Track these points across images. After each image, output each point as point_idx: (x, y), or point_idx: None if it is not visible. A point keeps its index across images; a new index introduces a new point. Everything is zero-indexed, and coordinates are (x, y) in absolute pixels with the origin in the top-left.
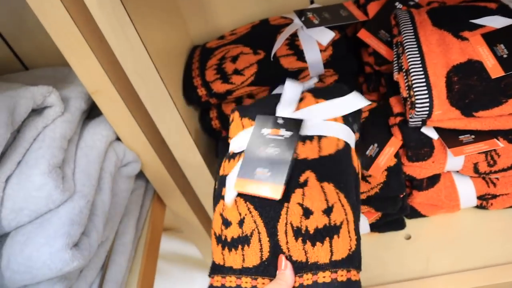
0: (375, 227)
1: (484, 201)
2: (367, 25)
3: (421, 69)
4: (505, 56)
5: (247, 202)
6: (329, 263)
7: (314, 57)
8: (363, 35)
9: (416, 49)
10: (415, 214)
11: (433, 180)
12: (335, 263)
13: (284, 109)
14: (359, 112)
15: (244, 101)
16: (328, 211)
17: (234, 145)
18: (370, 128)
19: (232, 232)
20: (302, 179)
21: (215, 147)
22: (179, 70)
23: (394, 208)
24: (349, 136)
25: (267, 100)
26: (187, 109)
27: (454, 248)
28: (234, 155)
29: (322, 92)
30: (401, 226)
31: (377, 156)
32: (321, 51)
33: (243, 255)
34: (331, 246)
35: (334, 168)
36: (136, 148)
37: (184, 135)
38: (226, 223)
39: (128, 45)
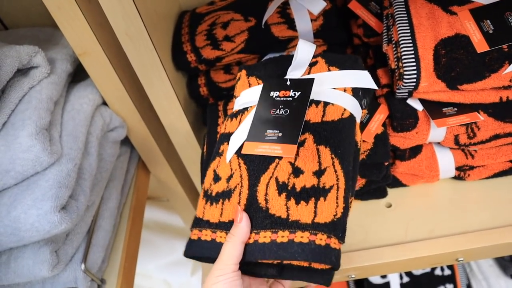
0: (358, 195)
1: (462, 172)
2: None
3: (410, 41)
4: (490, 31)
5: (239, 158)
6: (310, 224)
7: (304, 26)
8: (354, 6)
9: (407, 21)
10: (396, 183)
11: (415, 150)
12: (316, 225)
13: (295, 71)
14: (370, 90)
15: (232, 68)
16: (319, 173)
17: (239, 103)
18: None
19: (218, 187)
20: (299, 139)
21: (203, 115)
22: (168, 35)
23: (378, 175)
24: (356, 109)
25: (277, 61)
26: (176, 75)
27: (432, 216)
28: (237, 114)
29: (336, 60)
30: (383, 194)
31: (367, 123)
32: (311, 20)
33: (222, 209)
34: (315, 207)
35: (334, 134)
36: (122, 113)
37: (172, 101)
38: (217, 178)
39: (119, 5)
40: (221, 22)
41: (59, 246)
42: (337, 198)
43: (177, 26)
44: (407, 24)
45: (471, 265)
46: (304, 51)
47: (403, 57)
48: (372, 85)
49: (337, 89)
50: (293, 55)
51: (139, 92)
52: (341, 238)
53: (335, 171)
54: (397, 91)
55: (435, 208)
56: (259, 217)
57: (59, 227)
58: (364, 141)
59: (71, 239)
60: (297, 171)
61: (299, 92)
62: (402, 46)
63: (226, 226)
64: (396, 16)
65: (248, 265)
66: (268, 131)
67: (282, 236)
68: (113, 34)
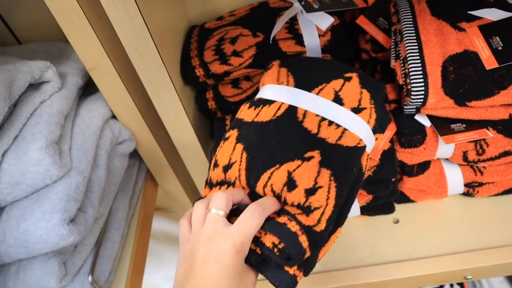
0: (365, 210)
1: (470, 189)
2: (366, 12)
3: (418, 57)
4: (500, 48)
5: (244, 151)
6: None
7: (312, 42)
8: (362, 22)
9: (414, 37)
10: (404, 199)
11: (423, 166)
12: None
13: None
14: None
15: (240, 82)
16: (310, 191)
17: (266, 93)
18: None
19: (217, 175)
20: (307, 155)
21: (210, 128)
22: (177, 50)
23: (385, 191)
24: (370, 141)
25: (315, 62)
26: (184, 89)
27: (440, 233)
28: (259, 103)
29: (370, 83)
30: (390, 210)
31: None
32: (319, 36)
33: None
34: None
35: (341, 159)
36: (131, 126)
37: (180, 115)
38: (216, 164)
39: (129, 22)
40: (230, 37)
41: (67, 258)
42: (319, 219)
43: (186, 41)
44: (415, 40)
45: (481, 281)
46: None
47: (411, 73)
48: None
49: (360, 116)
50: (329, 60)
51: (148, 105)
52: (306, 269)
53: (328, 193)
54: (405, 107)
55: (443, 225)
56: None
57: (68, 240)
58: (370, 158)
59: (79, 251)
60: (291, 185)
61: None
62: (410, 62)
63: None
64: (404, 32)
65: None
66: None
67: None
68: (122, 49)
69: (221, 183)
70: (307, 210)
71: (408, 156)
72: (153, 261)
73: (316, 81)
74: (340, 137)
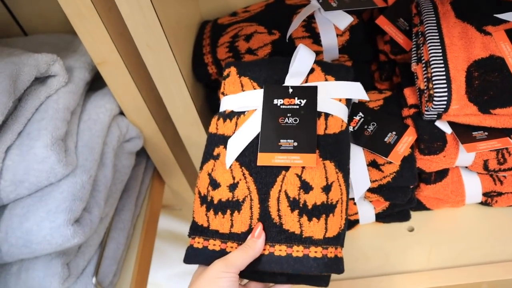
0: (380, 217)
1: (489, 198)
2: (386, 12)
3: (442, 62)
4: None
5: (243, 167)
6: (322, 239)
7: (330, 41)
8: (382, 22)
9: (438, 41)
10: (420, 207)
11: (442, 174)
12: (327, 240)
13: (294, 78)
14: (363, 78)
15: None
16: (327, 189)
17: (233, 104)
18: (386, 116)
19: (221, 195)
20: None
21: None
22: (189, 46)
23: (403, 198)
24: (346, 117)
25: (270, 63)
26: (196, 86)
27: (456, 242)
28: (231, 115)
29: (331, 69)
30: (406, 217)
31: (395, 144)
32: (337, 35)
33: (231, 220)
34: (326, 223)
35: (337, 147)
36: (139, 123)
37: (190, 113)
38: (215, 184)
39: (141, 16)
40: (244, 34)
41: (71, 259)
42: (341, 212)
43: (198, 37)
44: (439, 44)
45: None
46: (305, 58)
47: (434, 78)
48: (365, 97)
49: (334, 99)
50: (285, 58)
51: (156, 102)
52: (342, 245)
53: (340, 185)
54: (426, 112)
55: (460, 235)
56: (274, 231)
57: (72, 241)
58: (391, 162)
59: (83, 252)
60: (306, 187)
61: (305, 100)
62: (433, 66)
63: (239, 238)
64: (427, 35)
65: (257, 273)
66: (281, 140)
67: (297, 251)
68: (132, 43)
69: (228, 204)
70: (331, 208)
71: (426, 163)
72: (156, 259)
73: (281, 82)
74: (326, 127)
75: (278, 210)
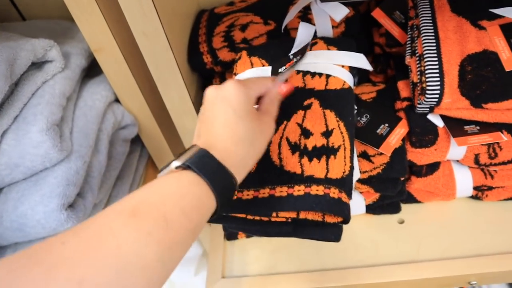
0: (371, 209)
1: (479, 192)
2: (382, 4)
3: (435, 55)
4: None
5: None
6: (324, 178)
7: (325, 33)
8: (378, 15)
9: (433, 34)
10: (411, 199)
11: (433, 167)
12: (329, 180)
13: (297, 49)
14: (360, 71)
15: None
16: (327, 134)
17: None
18: (379, 108)
19: None
20: (306, 103)
21: None
22: (185, 34)
23: (393, 190)
24: (352, 83)
25: (278, 43)
26: (190, 75)
27: (446, 235)
28: None
29: (334, 41)
30: (396, 209)
31: (387, 135)
32: (333, 27)
33: None
34: (327, 164)
35: (337, 100)
36: (134, 111)
37: (185, 102)
38: None
39: (137, 3)
40: (240, 24)
41: None
42: (344, 158)
43: (194, 26)
44: (433, 37)
45: (481, 286)
46: (305, 31)
47: (427, 71)
48: (368, 67)
49: (336, 65)
50: (292, 38)
51: (152, 91)
52: (349, 194)
53: (341, 132)
54: (418, 105)
55: (449, 228)
56: (275, 174)
57: (65, 225)
58: (381, 154)
59: None
60: (306, 133)
61: (299, 57)
62: (426, 59)
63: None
64: (422, 28)
65: (262, 225)
66: None
67: (298, 190)
68: (129, 31)
69: None
70: (332, 150)
71: (418, 156)
72: None
73: (287, 58)
74: (327, 84)
75: (279, 153)
